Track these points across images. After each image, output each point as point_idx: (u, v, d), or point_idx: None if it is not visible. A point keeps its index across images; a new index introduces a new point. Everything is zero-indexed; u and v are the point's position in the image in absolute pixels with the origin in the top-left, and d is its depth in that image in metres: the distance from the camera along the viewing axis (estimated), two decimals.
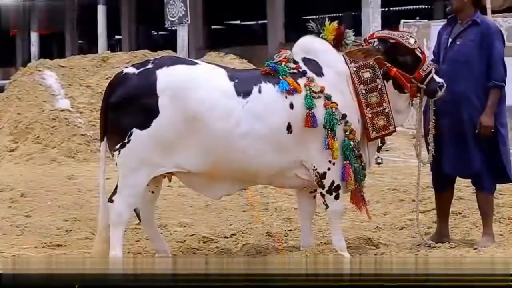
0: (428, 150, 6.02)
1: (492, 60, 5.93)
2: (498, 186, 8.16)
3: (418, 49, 5.78)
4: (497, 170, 6.00)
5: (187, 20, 17.69)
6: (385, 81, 5.72)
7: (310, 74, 5.63)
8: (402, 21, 16.23)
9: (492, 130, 5.90)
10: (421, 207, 7.32)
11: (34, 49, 27.70)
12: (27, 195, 9.02)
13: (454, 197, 7.76)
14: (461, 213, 7.33)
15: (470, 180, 6.28)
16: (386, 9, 28.45)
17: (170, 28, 18.89)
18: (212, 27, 36.15)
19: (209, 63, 5.85)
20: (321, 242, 6.21)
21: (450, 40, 6.06)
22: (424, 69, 5.74)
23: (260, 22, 35.96)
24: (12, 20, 28.90)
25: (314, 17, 5.93)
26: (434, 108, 5.91)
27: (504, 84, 5.98)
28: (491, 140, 5.94)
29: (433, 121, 5.92)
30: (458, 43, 6.01)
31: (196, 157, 5.47)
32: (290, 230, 6.91)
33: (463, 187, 7.81)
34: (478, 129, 5.90)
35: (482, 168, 5.97)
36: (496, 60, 5.93)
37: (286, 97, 5.53)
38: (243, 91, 5.49)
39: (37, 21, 27.09)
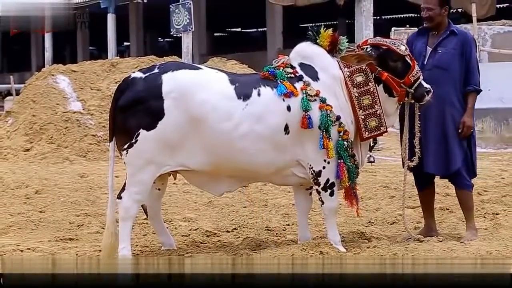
0: (413, 152, 5.98)
1: (471, 67, 6.02)
2: (484, 183, 8.18)
3: (408, 55, 5.77)
4: (471, 167, 6.06)
5: (192, 28, 17.67)
6: (376, 85, 5.71)
7: (306, 78, 5.62)
8: (393, 28, 16.25)
9: (472, 130, 5.95)
10: (410, 203, 7.33)
11: (48, 54, 27.64)
12: (41, 192, 9.02)
13: (442, 194, 7.80)
14: (448, 209, 7.34)
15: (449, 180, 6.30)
16: (378, 17, 28.45)
17: (175, 35, 18.85)
18: (215, 34, 36.17)
19: (211, 68, 5.84)
20: (317, 236, 6.21)
21: (429, 48, 6.07)
22: (413, 74, 5.73)
23: (260, 29, 35.98)
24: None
25: (311, 25, 5.91)
26: (419, 113, 5.91)
27: (480, 88, 6.05)
28: (468, 140, 6.00)
29: (419, 125, 5.92)
30: (439, 51, 6.03)
31: (199, 156, 5.46)
32: (288, 224, 6.91)
33: (450, 184, 7.80)
34: (461, 129, 5.94)
35: (461, 166, 6.00)
36: (474, 67, 6.03)
37: (283, 100, 5.52)
38: (243, 94, 5.49)
39: (48, 24, 27.10)
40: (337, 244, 5.69)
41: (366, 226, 6.75)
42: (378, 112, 5.68)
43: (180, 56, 17.28)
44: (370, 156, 5.98)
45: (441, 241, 5.91)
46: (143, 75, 5.54)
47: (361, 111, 5.66)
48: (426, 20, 6.07)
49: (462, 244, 5.82)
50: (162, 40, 41.33)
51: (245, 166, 5.54)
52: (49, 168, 11.62)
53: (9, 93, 22.56)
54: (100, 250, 5.80)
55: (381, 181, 9.22)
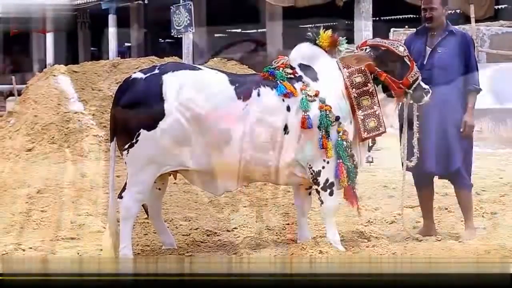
0: (412, 152, 5.98)
1: (470, 67, 6.02)
2: (483, 183, 8.16)
3: (406, 56, 5.77)
4: (469, 167, 6.06)
5: (192, 29, 17.69)
6: (375, 85, 5.71)
7: (306, 79, 5.62)
8: (392, 29, 16.24)
9: (473, 129, 5.97)
10: (409, 202, 7.33)
11: (50, 55, 27.65)
12: (43, 191, 9.01)
13: (441, 193, 7.79)
14: (447, 208, 7.34)
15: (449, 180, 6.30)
16: (377, 18, 28.40)
17: (176, 36, 18.88)
18: (215, 35, 36.12)
19: (211, 68, 5.84)
20: (316, 235, 6.20)
21: (428, 48, 6.07)
22: (412, 75, 5.73)
23: (260, 30, 35.93)
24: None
25: (310, 26, 5.91)
26: (418, 114, 5.90)
27: (480, 87, 6.05)
28: (468, 139, 6.00)
29: (417, 125, 5.92)
30: (439, 51, 6.04)
31: (199, 156, 5.46)
32: (288, 224, 6.90)
33: (449, 184, 7.80)
34: (463, 128, 5.94)
35: (461, 166, 6.00)
36: (473, 67, 6.03)
37: (283, 100, 5.52)
38: (243, 94, 5.48)
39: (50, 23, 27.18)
40: (337, 244, 5.68)
41: (365, 226, 6.75)
42: (377, 112, 5.69)
43: (181, 57, 17.29)
44: (369, 156, 5.98)
45: (439, 241, 5.92)
46: (143, 76, 5.53)
47: (360, 111, 5.66)
48: (429, 20, 6.06)
49: (460, 243, 5.82)
50: (162, 41, 41.25)
51: (244, 166, 5.53)
52: (51, 168, 11.60)
53: (11, 94, 22.56)
54: (101, 250, 5.80)
55: (380, 181, 9.22)
